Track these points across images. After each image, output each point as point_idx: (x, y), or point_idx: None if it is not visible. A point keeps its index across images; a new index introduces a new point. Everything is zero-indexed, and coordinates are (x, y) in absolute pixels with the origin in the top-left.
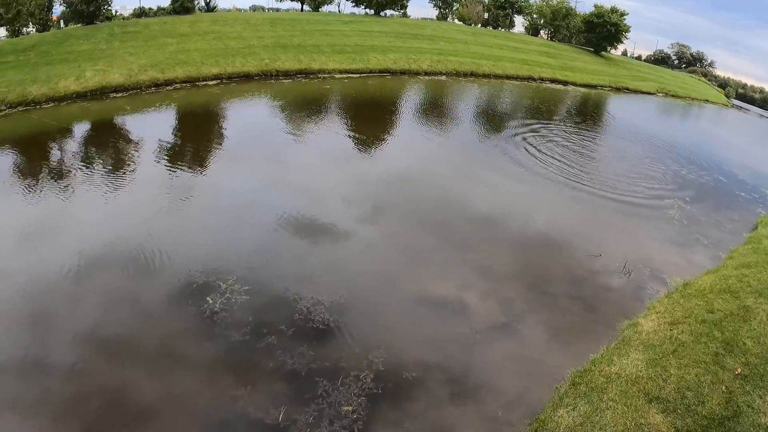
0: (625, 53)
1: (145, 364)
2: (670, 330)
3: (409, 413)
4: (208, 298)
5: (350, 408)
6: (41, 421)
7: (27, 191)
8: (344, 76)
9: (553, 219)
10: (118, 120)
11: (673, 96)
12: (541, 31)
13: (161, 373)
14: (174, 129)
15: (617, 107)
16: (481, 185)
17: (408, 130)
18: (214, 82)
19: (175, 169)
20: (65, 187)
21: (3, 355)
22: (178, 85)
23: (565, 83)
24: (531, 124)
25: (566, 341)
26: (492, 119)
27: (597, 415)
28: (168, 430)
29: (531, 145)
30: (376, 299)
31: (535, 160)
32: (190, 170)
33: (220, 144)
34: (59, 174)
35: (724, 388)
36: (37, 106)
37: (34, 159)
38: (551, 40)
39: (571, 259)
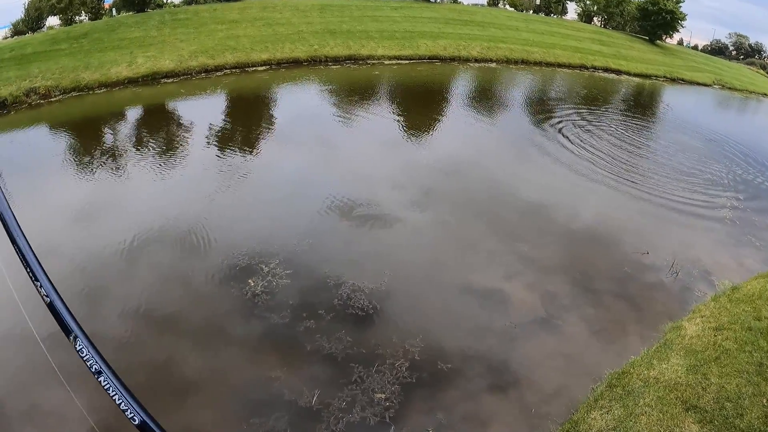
0: (680, 42)
1: (188, 341)
2: (714, 336)
3: (441, 404)
4: (250, 280)
5: (383, 395)
6: (90, 390)
7: (82, 172)
8: (393, 62)
9: (601, 213)
10: (170, 104)
11: (729, 88)
12: (594, 18)
13: (202, 350)
14: (224, 113)
15: (672, 99)
16: (531, 175)
17: (458, 118)
18: (264, 67)
19: (226, 153)
20: (118, 168)
21: (53, 328)
22: (227, 71)
23: (618, 72)
24: (584, 115)
25: (607, 340)
26: (543, 108)
27: (631, 421)
28: (205, 406)
29: (583, 136)
30: (417, 287)
31: (586, 152)
32: (240, 153)
33: (270, 128)
34: (113, 155)
35: (765, 401)
36: (90, 92)
37: (89, 141)
38: (604, 27)
39: (617, 255)
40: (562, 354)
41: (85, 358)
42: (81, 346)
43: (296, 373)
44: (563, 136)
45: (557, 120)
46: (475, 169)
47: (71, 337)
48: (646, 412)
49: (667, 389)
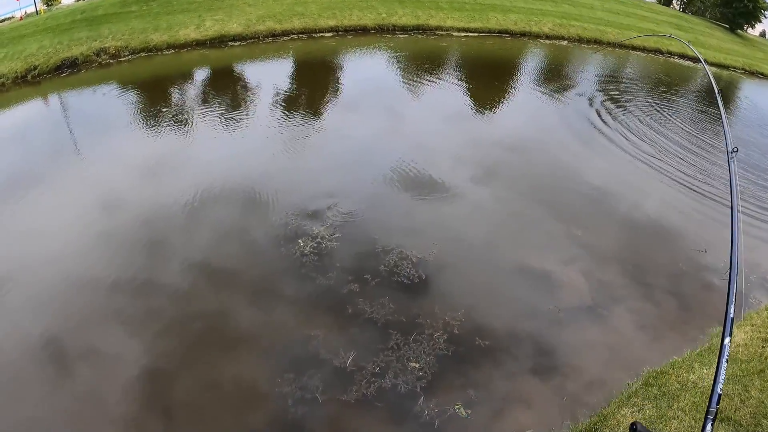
0: (763, 34)
1: (234, 295)
2: (762, 347)
3: (474, 380)
4: (300, 240)
5: (417, 365)
6: (145, 336)
7: (149, 129)
8: (462, 34)
9: (663, 206)
10: (237, 67)
11: None
12: (673, 1)
13: (246, 305)
14: (290, 77)
15: (752, 93)
16: (594, 160)
17: (525, 95)
18: (330, 34)
19: (290, 116)
20: (184, 126)
21: (119, 274)
22: (294, 36)
23: (695, 60)
24: (656, 102)
25: (651, 337)
26: (614, 92)
27: (661, 423)
28: (242, 359)
29: (653, 125)
30: (465, 261)
31: (655, 144)
32: (304, 117)
33: (335, 94)
34: (179, 114)
35: None
36: (159, 53)
37: (157, 100)
38: (683, 11)
39: (673, 251)
40: (604, 345)
41: None
42: None
43: (334, 333)
44: (632, 123)
45: (628, 106)
46: (538, 148)
47: None
48: (678, 416)
49: (705, 396)
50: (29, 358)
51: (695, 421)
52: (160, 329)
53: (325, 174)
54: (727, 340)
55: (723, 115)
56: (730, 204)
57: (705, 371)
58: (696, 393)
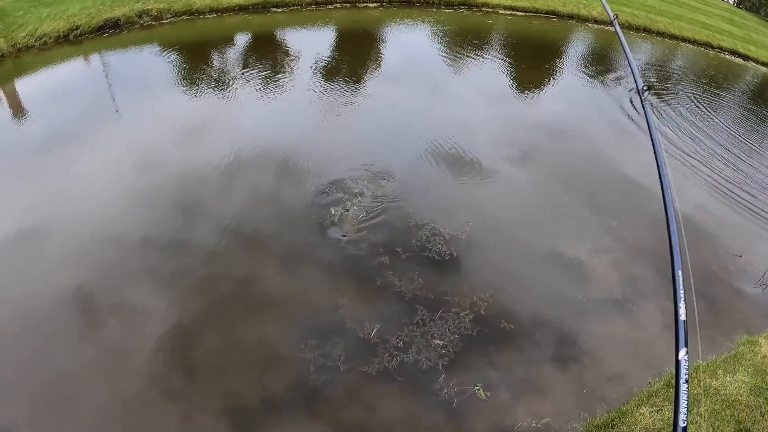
0: None
1: (263, 259)
2: None
3: (496, 362)
4: (332, 209)
5: (441, 342)
6: (173, 294)
7: (189, 91)
8: (508, 12)
9: (701, 206)
10: (279, 33)
11: None
12: None
13: (275, 270)
14: (332, 46)
15: None
16: (634, 152)
17: (568, 80)
18: (374, 4)
19: (330, 84)
20: (224, 90)
21: (152, 232)
22: (338, 5)
23: (745, 58)
24: (702, 99)
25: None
26: (660, 86)
27: None
28: (268, 322)
29: (698, 123)
30: (497, 243)
31: (699, 142)
32: (343, 86)
33: (377, 64)
34: (220, 78)
35: None
36: (201, 16)
37: (197, 63)
38: (737, 6)
39: (707, 252)
40: (629, 341)
41: None
42: None
43: (361, 304)
44: (674, 119)
45: (671, 101)
46: (577, 135)
47: None
48: (696, 422)
49: (725, 404)
50: (59, 307)
51: (713, 429)
52: (188, 288)
53: (361, 144)
54: (683, 354)
55: (627, 52)
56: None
57: (728, 379)
58: (717, 400)
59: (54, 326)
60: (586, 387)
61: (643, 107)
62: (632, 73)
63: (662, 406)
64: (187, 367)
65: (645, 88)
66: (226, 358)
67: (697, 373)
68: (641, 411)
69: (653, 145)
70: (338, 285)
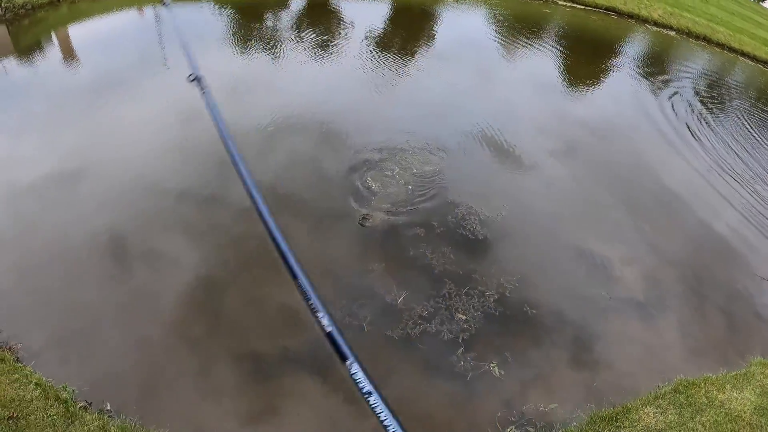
0: None
1: (299, 221)
2: None
3: (513, 344)
4: (369, 178)
5: (464, 317)
6: (204, 248)
7: (238, 49)
8: (567, 4)
9: (736, 225)
10: (334, 0)
11: None
12: None
13: (309, 231)
14: (385, 19)
15: None
16: (676, 164)
17: (618, 80)
18: None
19: (379, 57)
20: (273, 51)
21: (188, 185)
22: None
23: None
24: (756, 119)
25: (691, 348)
26: (713, 99)
27: (680, 430)
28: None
29: (747, 145)
30: (529, 230)
31: (746, 163)
32: (393, 60)
33: (429, 41)
34: (270, 39)
35: None
36: None
37: (250, 22)
38: None
39: (736, 270)
40: (644, 343)
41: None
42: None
43: (392, 271)
44: (723, 136)
45: (723, 117)
46: (621, 137)
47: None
48: (697, 429)
49: (728, 418)
50: (91, 248)
51: None
52: (219, 242)
53: (405, 119)
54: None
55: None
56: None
57: (735, 394)
58: (721, 412)
59: (85, 265)
60: (597, 381)
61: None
62: (188, 58)
63: (667, 408)
64: (209, 318)
65: (192, 77)
66: (250, 312)
67: (705, 383)
68: (646, 410)
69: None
70: (371, 250)
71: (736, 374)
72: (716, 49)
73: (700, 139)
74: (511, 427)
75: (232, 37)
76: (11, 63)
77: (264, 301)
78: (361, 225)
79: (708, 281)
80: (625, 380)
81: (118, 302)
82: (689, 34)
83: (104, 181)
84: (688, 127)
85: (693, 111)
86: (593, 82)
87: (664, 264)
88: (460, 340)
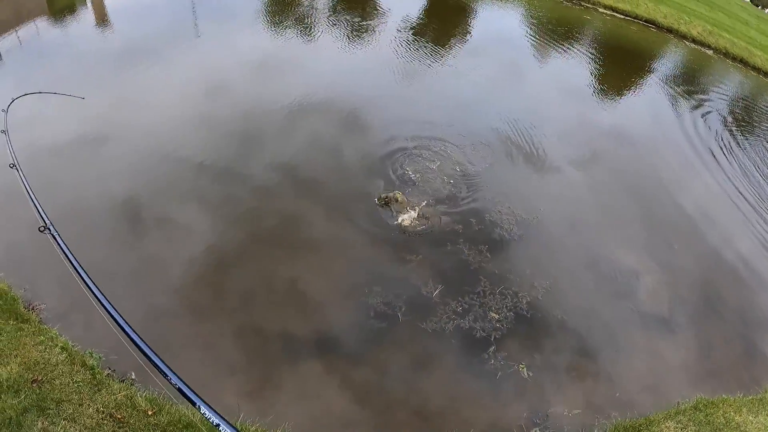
0: None
1: (324, 206)
2: None
3: (542, 347)
4: (408, 169)
5: (497, 316)
6: (220, 220)
7: (272, 27)
8: (608, 12)
9: (762, 253)
10: None
11: None
12: None
13: (336, 219)
14: (421, 10)
15: None
16: (704, 182)
17: (651, 94)
18: None
19: (412, 46)
20: (307, 32)
21: (209, 157)
22: None
23: None
24: None
25: (708, 368)
26: (745, 122)
27: None
28: (335, 264)
29: (761, 162)
30: (565, 235)
31: (752, 178)
32: (425, 50)
33: (463, 35)
34: (305, 19)
35: None
36: None
37: (287, 2)
38: None
39: (761, 297)
40: (665, 358)
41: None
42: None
43: (429, 264)
44: (753, 161)
45: (755, 141)
46: (651, 153)
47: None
48: None
49: None
50: (110, 210)
51: None
52: (232, 215)
53: (434, 113)
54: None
55: None
56: None
57: (751, 418)
58: None
59: (99, 225)
60: (620, 391)
61: None
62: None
63: (687, 425)
64: (216, 290)
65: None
66: (256, 284)
67: (723, 404)
68: (667, 424)
69: None
70: (409, 241)
71: (753, 399)
72: (752, 72)
73: (734, 161)
74: (535, 429)
75: (266, 16)
76: (44, 24)
77: (271, 275)
78: (379, 205)
79: (731, 305)
80: (648, 393)
81: (129, 265)
82: (726, 54)
83: (125, 145)
84: (722, 148)
85: (721, 132)
86: (623, 92)
87: (689, 282)
88: (492, 339)
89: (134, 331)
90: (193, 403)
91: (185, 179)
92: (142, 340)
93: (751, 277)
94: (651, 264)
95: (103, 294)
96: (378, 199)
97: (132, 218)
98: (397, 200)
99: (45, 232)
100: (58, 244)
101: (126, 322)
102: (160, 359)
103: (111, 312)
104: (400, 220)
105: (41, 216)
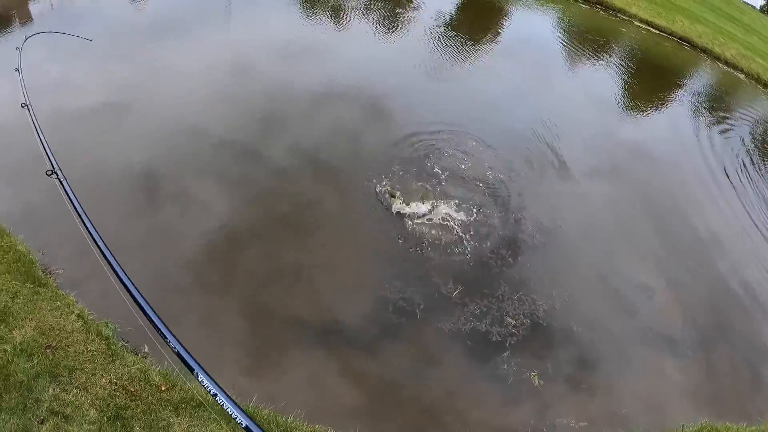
0: None
1: (345, 195)
2: None
3: (555, 356)
4: (437, 169)
5: (513, 321)
6: (235, 198)
7: (303, 11)
8: (642, 26)
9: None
10: None
11: None
12: None
13: (357, 211)
14: (455, 6)
15: None
16: (722, 208)
17: (678, 113)
18: None
19: (443, 41)
20: (338, 19)
21: (230, 135)
22: None
23: None
24: None
25: (714, 394)
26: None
27: None
28: (356, 256)
29: None
30: (587, 247)
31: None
32: (456, 46)
33: (495, 35)
34: (337, 7)
35: None
36: None
37: None
38: None
39: None
40: (673, 380)
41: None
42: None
43: (450, 264)
44: (754, 176)
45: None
46: (671, 171)
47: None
48: None
49: None
50: (126, 180)
51: None
52: (248, 195)
53: (461, 107)
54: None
55: None
56: None
57: None
58: None
59: (115, 194)
60: (626, 408)
61: None
62: None
63: None
64: (232, 269)
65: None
66: (265, 265)
67: (727, 430)
68: None
69: None
70: (430, 240)
71: (756, 428)
72: None
73: (757, 191)
74: None
75: (297, 2)
76: None
77: (288, 260)
78: (380, 200)
79: (743, 334)
80: (652, 412)
81: (142, 235)
82: (758, 80)
83: (148, 117)
84: (746, 176)
85: (750, 163)
86: (651, 108)
87: (705, 306)
88: (507, 344)
89: (132, 283)
90: (191, 370)
91: (205, 156)
92: (141, 294)
93: (762, 306)
94: (665, 283)
95: (105, 243)
96: (389, 195)
97: (149, 189)
98: (393, 195)
99: (52, 176)
100: (65, 190)
101: (125, 273)
102: (160, 319)
103: (110, 260)
104: (421, 217)
105: (49, 159)
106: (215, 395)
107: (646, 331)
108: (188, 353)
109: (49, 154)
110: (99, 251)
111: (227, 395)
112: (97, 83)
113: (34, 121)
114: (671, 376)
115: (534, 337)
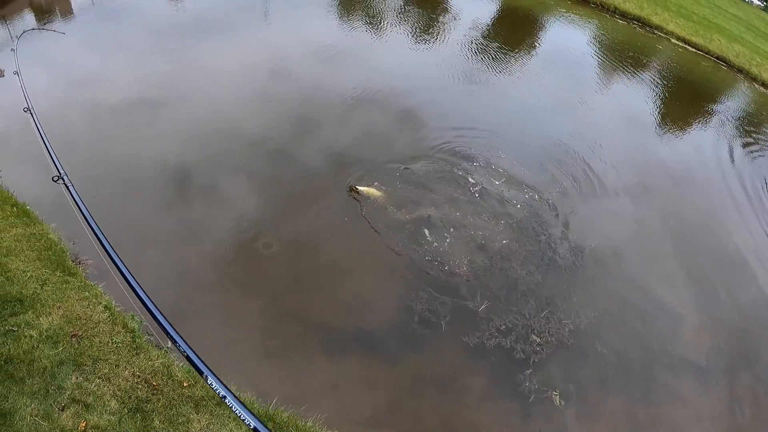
0: None
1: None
2: None
3: (578, 378)
4: (471, 178)
5: (538, 339)
6: (246, 193)
7: (341, 17)
8: (679, 43)
9: None
10: None
11: None
12: None
13: (385, 219)
14: (492, 17)
15: None
16: (754, 234)
17: (712, 135)
18: None
19: (477, 52)
20: (375, 26)
21: (263, 135)
22: None
23: None
24: None
25: (736, 422)
26: None
27: None
28: (373, 264)
29: None
30: (617, 269)
31: None
32: (490, 57)
33: (530, 49)
34: (373, 14)
35: None
36: None
37: None
38: None
39: None
40: (696, 406)
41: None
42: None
43: (479, 279)
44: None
45: None
46: (704, 194)
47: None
48: None
49: None
50: (157, 173)
51: None
52: (277, 195)
53: (493, 117)
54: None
55: None
56: None
57: None
58: None
59: (147, 187)
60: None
61: None
62: None
63: None
64: (253, 267)
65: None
66: (289, 267)
67: None
68: None
69: None
70: (459, 254)
71: None
72: None
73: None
74: None
75: (336, 5)
76: None
77: (317, 265)
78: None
79: (764, 362)
80: None
81: (168, 227)
82: None
83: (182, 113)
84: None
85: None
86: (684, 128)
87: (732, 333)
88: (530, 362)
89: (141, 288)
90: (201, 373)
91: (237, 154)
92: (149, 299)
93: None
94: (697, 308)
95: (114, 250)
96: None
97: (179, 182)
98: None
99: (59, 182)
100: (71, 194)
101: (133, 277)
102: (168, 322)
103: (117, 263)
104: (449, 231)
105: (55, 165)
106: (224, 397)
107: (672, 356)
108: (198, 356)
109: (55, 160)
110: (108, 257)
111: (236, 398)
112: (133, 80)
113: (39, 127)
114: (694, 403)
115: (558, 356)
